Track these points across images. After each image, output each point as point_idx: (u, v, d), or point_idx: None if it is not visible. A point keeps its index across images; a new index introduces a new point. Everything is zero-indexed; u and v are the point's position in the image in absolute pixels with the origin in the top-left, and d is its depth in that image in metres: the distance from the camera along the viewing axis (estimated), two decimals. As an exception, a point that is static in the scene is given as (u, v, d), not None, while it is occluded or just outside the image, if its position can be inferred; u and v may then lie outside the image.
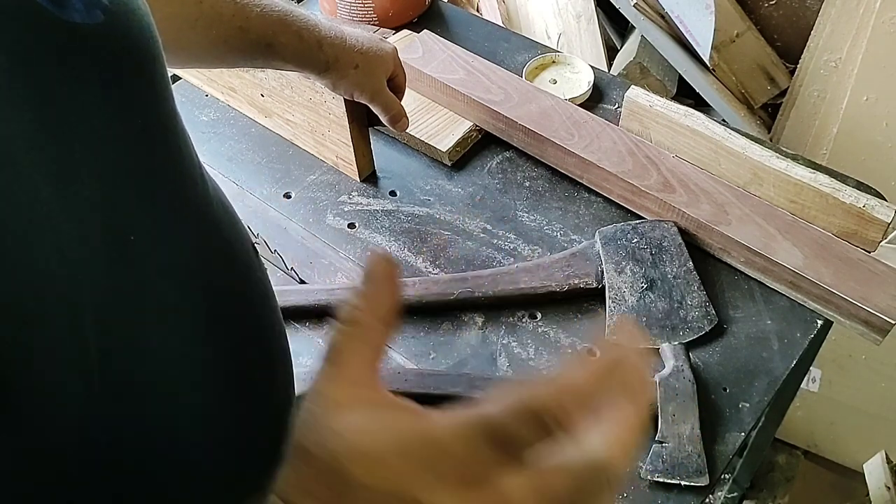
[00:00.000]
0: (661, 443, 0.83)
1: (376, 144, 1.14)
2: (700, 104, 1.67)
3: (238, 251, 0.54)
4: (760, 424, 0.93)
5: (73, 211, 0.38)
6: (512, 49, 1.30)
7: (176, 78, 1.27)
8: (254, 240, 1.01)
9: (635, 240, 0.98)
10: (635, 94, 1.09)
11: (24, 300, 0.34)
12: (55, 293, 0.36)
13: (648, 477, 0.82)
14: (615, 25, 1.88)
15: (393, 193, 1.10)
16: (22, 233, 0.34)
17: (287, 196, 1.11)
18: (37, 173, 0.36)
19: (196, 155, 0.51)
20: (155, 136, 0.45)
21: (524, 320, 0.96)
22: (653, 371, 0.90)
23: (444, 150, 1.12)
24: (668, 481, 0.81)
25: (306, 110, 1.08)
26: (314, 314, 0.96)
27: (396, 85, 1.01)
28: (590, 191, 1.09)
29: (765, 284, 0.98)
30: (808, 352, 0.94)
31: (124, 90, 0.42)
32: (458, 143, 1.13)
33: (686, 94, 1.72)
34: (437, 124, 1.15)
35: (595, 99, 1.22)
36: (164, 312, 0.45)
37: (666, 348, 0.90)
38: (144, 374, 0.43)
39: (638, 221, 1.02)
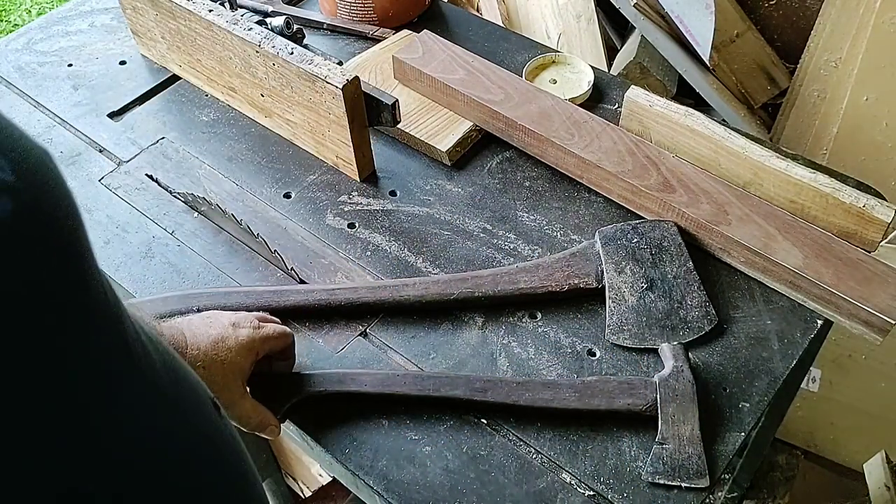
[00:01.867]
0: (662, 444, 0.83)
1: (376, 144, 1.14)
2: (700, 104, 1.67)
3: (197, 423, 0.50)
4: (760, 424, 0.93)
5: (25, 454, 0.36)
6: (512, 49, 1.30)
7: (176, 78, 1.28)
8: (254, 240, 1.01)
9: (635, 240, 0.98)
10: (635, 94, 1.09)
11: None
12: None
13: (649, 479, 0.81)
14: (615, 25, 1.88)
15: (393, 193, 1.10)
16: None
17: (287, 196, 1.11)
18: None
19: (131, 326, 0.45)
20: (88, 346, 0.40)
21: (524, 320, 0.96)
22: (652, 372, 0.90)
23: (444, 150, 1.12)
24: (670, 483, 0.81)
25: (306, 110, 1.08)
26: (314, 314, 0.96)
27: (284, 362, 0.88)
28: (590, 191, 1.09)
29: (765, 284, 0.98)
30: (808, 352, 0.94)
31: (51, 281, 0.37)
32: (458, 143, 1.13)
33: (686, 94, 1.72)
34: (437, 124, 1.15)
35: (595, 99, 1.22)
36: None
37: (666, 348, 0.90)
38: None
39: (638, 221, 1.02)
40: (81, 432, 0.39)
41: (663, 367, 0.89)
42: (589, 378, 0.88)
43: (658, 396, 0.84)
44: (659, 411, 0.84)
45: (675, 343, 0.90)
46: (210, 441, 0.51)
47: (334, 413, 0.88)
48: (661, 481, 0.81)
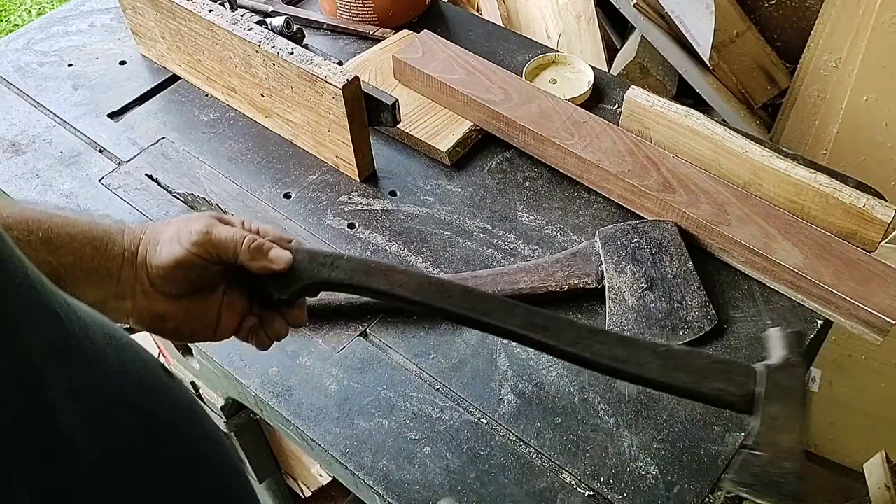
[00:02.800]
0: (754, 451, 0.66)
1: (376, 144, 1.14)
2: (700, 104, 1.67)
3: (146, 387, 0.52)
4: (760, 424, 0.94)
5: None
6: (512, 49, 1.30)
7: (176, 78, 1.28)
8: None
9: (635, 240, 0.98)
10: (635, 94, 1.09)
11: None
12: None
13: (731, 488, 0.69)
14: (615, 25, 1.88)
15: (393, 193, 1.10)
16: None
17: (287, 196, 1.11)
18: None
19: (64, 305, 0.46)
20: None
21: (524, 320, 0.96)
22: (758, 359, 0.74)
23: (444, 150, 1.12)
24: (755, 501, 0.67)
25: (306, 110, 1.08)
26: (314, 314, 0.96)
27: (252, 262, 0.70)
28: (590, 191, 1.09)
29: (765, 284, 0.98)
30: (808, 352, 0.94)
31: None
32: (458, 143, 1.13)
33: (686, 94, 1.72)
34: (437, 124, 1.15)
35: (595, 99, 1.22)
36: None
37: (774, 334, 0.72)
38: None
39: (638, 221, 1.02)
40: (26, 404, 0.40)
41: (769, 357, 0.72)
42: (673, 346, 0.72)
43: (760, 390, 0.67)
44: (761, 409, 0.67)
45: (792, 331, 0.73)
46: (163, 401, 0.54)
47: (333, 405, 0.88)
48: (744, 494, 0.67)
